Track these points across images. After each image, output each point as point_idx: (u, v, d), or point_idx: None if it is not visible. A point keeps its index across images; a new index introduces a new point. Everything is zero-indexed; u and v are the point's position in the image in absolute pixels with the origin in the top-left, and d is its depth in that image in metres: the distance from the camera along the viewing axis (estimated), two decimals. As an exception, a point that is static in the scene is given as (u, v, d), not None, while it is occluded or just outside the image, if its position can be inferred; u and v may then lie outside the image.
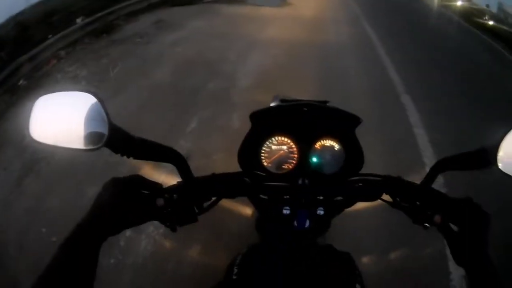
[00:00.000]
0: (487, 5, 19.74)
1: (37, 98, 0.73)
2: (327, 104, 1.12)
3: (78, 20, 7.34)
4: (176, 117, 3.91)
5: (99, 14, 7.59)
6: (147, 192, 0.80)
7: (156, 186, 0.81)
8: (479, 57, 8.06)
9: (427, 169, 0.88)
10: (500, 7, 19.91)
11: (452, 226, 0.83)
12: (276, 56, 5.94)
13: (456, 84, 5.65)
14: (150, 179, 0.80)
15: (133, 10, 8.38)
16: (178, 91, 4.48)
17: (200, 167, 1.00)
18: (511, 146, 0.77)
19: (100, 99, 0.71)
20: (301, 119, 1.01)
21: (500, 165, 0.77)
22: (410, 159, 3.47)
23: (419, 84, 5.40)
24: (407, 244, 2.45)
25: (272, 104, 1.31)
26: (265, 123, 1.01)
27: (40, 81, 5.09)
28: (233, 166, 0.98)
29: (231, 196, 0.93)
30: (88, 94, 0.71)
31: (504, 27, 14.72)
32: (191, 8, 9.25)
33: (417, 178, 0.90)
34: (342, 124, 1.01)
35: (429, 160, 3.44)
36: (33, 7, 8.46)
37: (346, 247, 1.00)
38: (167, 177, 1.64)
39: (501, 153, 0.78)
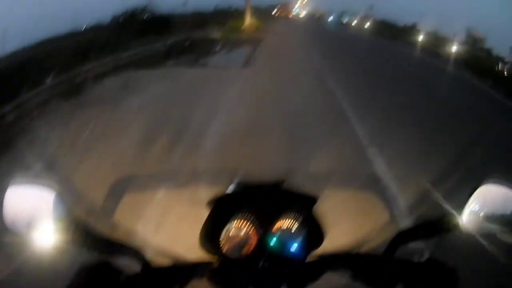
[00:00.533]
0: (454, 34, 20.70)
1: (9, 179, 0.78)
2: (284, 185, 1.14)
3: (48, 80, 7.86)
4: (144, 188, 4.00)
5: (68, 75, 8.14)
6: (108, 284, 0.84)
7: (116, 277, 0.85)
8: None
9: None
10: (468, 33, 20.89)
11: None
12: (235, 123, 6.08)
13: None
14: (112, 268, 0.85)
15: (99, 72, 8.92)
16: (145, 160, 4.67)
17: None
18: (475, 207, 0.82)
19: (65, 197, 0.77)
20: (258, 202, 1.04)
21: (464, 228, 0.83)
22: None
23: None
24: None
25: (229, 188, 1.25)
26: (223, 209, 1.03)
27: (14, 139, 5.43)
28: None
29: (191, 282, 0.97)
30: (54, 192, 0.77)
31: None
32: (154, 71, 9.79)
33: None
34: (299, 204, 1.03)
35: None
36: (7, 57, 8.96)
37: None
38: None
39: (465, 216, 0.83)
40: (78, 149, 5.05)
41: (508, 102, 8.91)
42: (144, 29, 15.16)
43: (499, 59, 17.75)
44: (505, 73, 15.08)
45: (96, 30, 16.17)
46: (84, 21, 17.90)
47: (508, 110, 8.34)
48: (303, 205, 1.03)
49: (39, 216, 0.77)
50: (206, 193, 1.02)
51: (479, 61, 16.26)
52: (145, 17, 17.83)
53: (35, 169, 4.37)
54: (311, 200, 1.03)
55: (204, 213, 1.02)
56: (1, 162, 4.84)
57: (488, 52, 19.35)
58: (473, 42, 20.67)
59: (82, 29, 16.63)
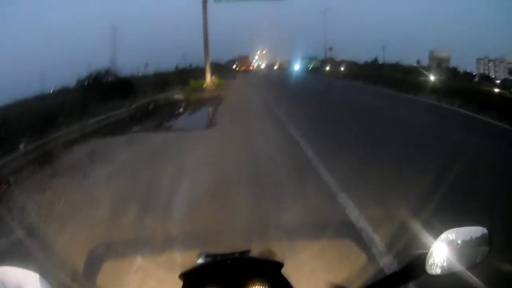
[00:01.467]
0: (418, 61, 21.07)
1: None
2: (250, 254, 1.23)
3: (21, 146, 8.39)
4: (120, 256, 4.09)
5: (40, 142, 8.70)
6: None
7: None
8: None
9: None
10: (431, 56, 21.30)
11: None
12: (204, 184, 6.30)
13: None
14: None
15: (68, 139, 9.44)
16: (117, 230, 4.80)
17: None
18: (438, 250, 0.91)
19: (49, 282, 0.81)
20: (227, 272, 1.08)
21: (430, 271, 0.90)
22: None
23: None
24: None
25: (198, 261, 1.34)
26: (194, 281, 1.05)
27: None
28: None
29: None
30: (38, 276, 0.82)
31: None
32: (120, 137, 10.36)
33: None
34: (266, 271, 1.06)
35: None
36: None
37: None
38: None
39: (431, 259, 0.91)
40: (56, 217, 5.34)
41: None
42: (108, 92, 15.81)
43: (467, 74, 18.36)
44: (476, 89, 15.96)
45: (63, 94, 16.68)
46: (51, 84, 18.43)
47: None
48: (271, 271, 1.07)
49: None
50: (180, 258, 1.30)
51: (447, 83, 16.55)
52: (108, 80, 18.41)
53: (17, 237, 4.74)
54: (277, 266, 1.07)
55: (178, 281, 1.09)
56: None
57: (454, 70, 19.70)
58: (438, 63, 20.99)
59: (50, 92, 17.18)
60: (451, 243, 0.95)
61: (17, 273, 0.88)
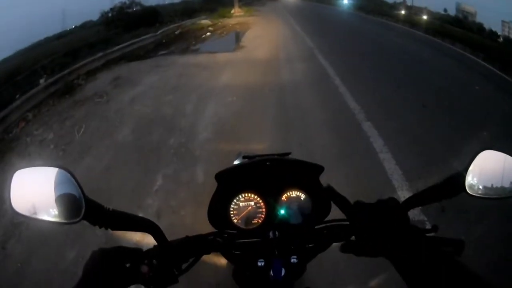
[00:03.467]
0: (445, 9, 20.47)
1: (13, 170, 0.79)
2: (289, 156, 1.17)
3: (41, 81, 7.86)
4: (142, 175, 4.06)
5: (60, 74, 8.13)
6: (128, 259, 0.86)
7: (136, 253, 0.88)
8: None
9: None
10: (459, 8, 20.60)
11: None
12: (232, 104, 6.14)
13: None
14: (131, 246, 0.88)
15: (91, 68, 8.93)
16: (141, 150, 4.67)
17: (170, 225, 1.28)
18: (477, 170, 0.86)
19: (73, 176, 0.77)
20: (265, 174, 1.06)
21: (468, 191, 0.86)
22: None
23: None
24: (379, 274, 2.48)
25: (235, 162, 1.36)
26: (230, 182, 1.05)
27: (11, 144, 5.49)
28: (202, 219, 1.08)
29: (206, 253, 0.99)
30: (63, 170, 0.78)
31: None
32: (146, 62, 9.79)
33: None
34: (305, 174, 1.06)
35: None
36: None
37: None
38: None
39: (469, 178, 0.86)
40: (76, 146, 5.06)
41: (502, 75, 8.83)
42: (134, 22, 15.11)
43: (491, 32, 17.55)
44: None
45: (85, 28, 16.16)
46: (73, 19, 17.88)
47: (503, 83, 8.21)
48: (309, 175, 1.05)
49: (51, 195, 0.78)
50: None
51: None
52: (134, 10, 17.68)
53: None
54: (317, 170, 1.04)
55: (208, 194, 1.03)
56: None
57: (480, 26, 19.11)
58: (464, 17, 20.43)
59: (72, 28, 16.66)
60: (485, 166, 0.86)
61: (37, 173, 0.79)
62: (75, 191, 0.78)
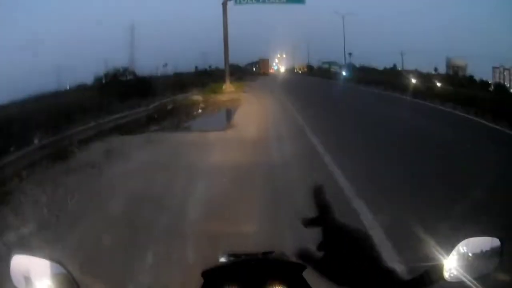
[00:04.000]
0: (436, 69, 20.95)
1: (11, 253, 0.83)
2: (273, 255, 1.23)
3: (36, 141, 8.12)
4: (133, 251, 4.06)
5: (53, 138, 8.38)
6: None
7: None
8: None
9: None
10: (449, 63, 21.07)
11: None
12: (222, 185, 6.15)
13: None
14: None
15: (84, 136, 9.23)
16: (132, 226, 4.67)
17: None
18: (456, 260, 0.90)
19: (70, 273, 0.79)
20: (249, 272, 1.07)
21: (448, 278, 0.88)
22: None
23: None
24: None
25: (221, 260, 1.35)
26: (216, 280, 1.05)
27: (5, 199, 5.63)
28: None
29: None
30: (59, 266, 0.81)
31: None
32: (138, 136, 10.14)
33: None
34: (289, 273, 1.06)
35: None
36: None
37: None
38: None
39: (447, 268, 0.88)
40: (68, 214, 5.16)
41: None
42: (127, 90, 15.53)
43: (482, 82, 18.17)
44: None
45: (79, 90, 16.59)
46: (68, 80, 18.40)
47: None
48: (292, 273, 1.05)
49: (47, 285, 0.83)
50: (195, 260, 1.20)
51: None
52: (127, 78, 18.23)
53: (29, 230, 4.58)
54: (299, 268, 1.05)
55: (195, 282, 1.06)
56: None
57: (470, 78, 19.55)
58: (455, 72, 20.84)
59: (67, 89, 17.11)
60: (466, 253, 0.95)
61: (35, 262, 0.86)
62: (63, 279, 0.83)
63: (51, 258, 0.87)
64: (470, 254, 0.95)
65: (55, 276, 0.83)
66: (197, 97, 18.31)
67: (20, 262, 0.88)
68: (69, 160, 7.75)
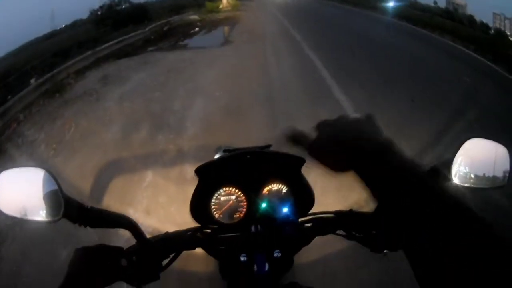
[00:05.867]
0: (435, 2, 20.03)
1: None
2: (270, 149, 1.19)
3: (32, 81, 7.93)
4: (131, 174, 4.04)
5: (50, 74, 8.21)
6: (109, 257, 0.87)
7: (116, 251, 0.89)
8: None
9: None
10: (448, 0, 20.20)
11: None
12: (219, 99, 6.13)
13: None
14: (111, 244, 0.88)
15: (80, 67, 9.00)
16: (131, 147, 4.72)
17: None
18: (465, 159, 0.83)
19: (53, 176, 0.80)
20: (245, 167, 1.04)
21: (455, 179, 0.83)
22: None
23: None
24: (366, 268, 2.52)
25: (216, 156, 1.32)
26: (211, 177, 1.03)
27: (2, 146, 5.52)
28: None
29: (187, 250, 0.99)
30: (43, 171, 0.81)
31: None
32: (135, 58, 9.90)
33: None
34: (287, 167, 1.03)
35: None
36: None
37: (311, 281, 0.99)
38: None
39: (456, 167, 0.83)
40: (66, 145, 5.10)
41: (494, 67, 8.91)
42: (123, 20, 15.09)
43: (482, 24, 17.37)
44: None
45: (75, 27, 16.13)
46: (63, 19, 17.84)
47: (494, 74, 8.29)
48: (291, 168, 1.03)
49: (33, 195, 0.81)
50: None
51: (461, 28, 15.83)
52: (122, 8, 17.69)
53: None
54: (299, 162, 1.02)
55: (192, 189, 1.03)
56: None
57: (470, 18, 18.80)
58: (454, 9, 19.93)
59: (62, 28, 16.61)
60: (475, 154, 0.84)
61: (22, 174, 0.84)
62: (55, 191, 0.81)
63: (36, 166, 0.83)
64: (483, 155, 0.85)
65: (41, 182, 0.81)
66: (193, 17, 17.76)
67: (7, 178, 0.84)
68: (66, 92, 7.60)
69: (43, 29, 16.22)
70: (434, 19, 17.73)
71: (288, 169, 1.03)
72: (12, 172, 0.85)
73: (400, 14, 19.05)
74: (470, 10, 18.86)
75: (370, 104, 5.58)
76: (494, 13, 16.44)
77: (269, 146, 1.25)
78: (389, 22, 16.94)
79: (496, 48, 10.93)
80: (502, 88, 7.19)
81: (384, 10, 19.93)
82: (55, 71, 8.44)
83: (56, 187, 0.81)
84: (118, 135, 5.15)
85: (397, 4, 19.73)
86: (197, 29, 14.81)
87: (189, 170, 3.88)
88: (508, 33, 15.84)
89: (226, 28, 14.80)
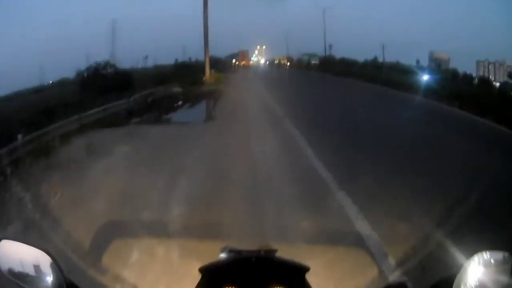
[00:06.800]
0: (417, 61, 20.77)
1: None
2: (275, 254, 1.14)
3: (19, 137, 8.25)
4: (116, 249, 4.06)
5: (37, 133, 8.57)
6: None
7: None
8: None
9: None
10: (432, 57, 20.88)
11: None
12: (202, 182, 6.14)
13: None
14: None
15: (66, 131, 9.36)
16: (113, 224, 4.75)
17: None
18: (467, 276, 0.88)
19: (55, 259, 0.81)
20: (250, 271, 1.03)
21: None
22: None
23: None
24: None
25: (221, 256, 1.30)
26: (214, 276, 1.03)
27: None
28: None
29: None
30: (45, 254, 0.82)
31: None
32: (120, 129, 10.33)
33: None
34: (291, 274, 1.03)
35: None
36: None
37: None
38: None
39: (459, 283, 0.87)
40: (52, 211, 5.24)
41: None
42: (108, 86, 15.66)
43: (467, 76, 18.24)
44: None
45: (62, 85, 16.66)
46: (51, 76, 18.37)
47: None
48: (295, 275, 1.03)
49: (32, 277, 0.84)
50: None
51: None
52: (108, 72, 18.33)
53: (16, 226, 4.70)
54: (303, 269, 1.03)
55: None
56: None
57: (454, 72, 19.58)
58: (438, 64, 20.70)
59: (49, 84, 17.15)
60: (481, 266, 0.92)
61: (22, 250, 0.87)
62: (55, 273, 0.85)
63: (38, 247, 0.88)
64: (488, 267, 0.92)
65: (42, 264, 0.86)
66: (177, 89, 18.33)
67: (8, 248, 0.89)
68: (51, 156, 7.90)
69: (31, 79, 16.74)
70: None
71: (292, 276, 1.03)
72: (14, 245, 0.90)
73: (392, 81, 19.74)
74: (453, 63, 19.80)
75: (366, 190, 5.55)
76: (477, 61, 17.36)
77: (275, 251, 1.21)
78: (380, 91, 17.91)
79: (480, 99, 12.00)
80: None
81: (382, 80, 20.69)
82: (41, 131, 8.82)
83: (58, 273, 0.87)
84: (103, 209, 5.20)
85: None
86: (180, 102, 15.49)
87: (174, 252, 3.97)
88: (492, 78, 16.67)
89: (209, 103, 15.54)
